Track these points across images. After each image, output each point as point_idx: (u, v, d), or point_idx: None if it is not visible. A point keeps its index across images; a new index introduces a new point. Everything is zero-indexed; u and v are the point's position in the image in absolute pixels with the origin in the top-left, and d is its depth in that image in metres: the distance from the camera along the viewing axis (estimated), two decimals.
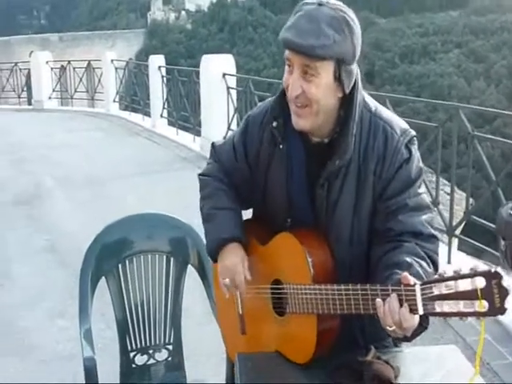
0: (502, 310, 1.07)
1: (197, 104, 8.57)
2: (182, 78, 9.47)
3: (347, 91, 1.39)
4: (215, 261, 1.54)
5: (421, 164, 1.47)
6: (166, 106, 9.92)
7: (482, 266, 1.11)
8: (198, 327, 1.82)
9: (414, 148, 1.45)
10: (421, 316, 1.21)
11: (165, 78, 9.89)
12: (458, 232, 4.41)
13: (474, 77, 42.54)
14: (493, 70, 42.54)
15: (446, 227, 4.33)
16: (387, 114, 1.49)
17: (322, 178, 1.42)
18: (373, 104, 1.48)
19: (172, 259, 2.07)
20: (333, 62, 1.33)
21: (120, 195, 6.00)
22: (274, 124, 1.47)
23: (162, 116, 9.98)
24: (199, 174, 1.66)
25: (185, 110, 9.37)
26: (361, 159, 1.42)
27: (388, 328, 1.23)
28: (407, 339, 1.32)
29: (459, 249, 4.93)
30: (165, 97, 9.87)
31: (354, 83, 1.41)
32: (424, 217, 1.41)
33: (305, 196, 1.47)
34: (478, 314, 1.09)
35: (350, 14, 1.36)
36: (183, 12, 64.38)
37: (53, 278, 2.83)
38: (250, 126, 1.55)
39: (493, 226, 3.67)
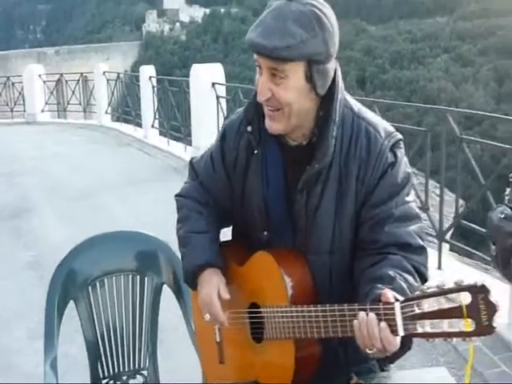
0: (490, 330, 0.94)
1: (187, 114, 8.50)
2: (173, 87, 9.38)
3: (321, 92, 1.27)
4: (194, 289, 1.43)
5: (408, 169, 1.33)
6: (157, 117, 9.86)
7: (467, 279, 0.97)
8: (176, 350, 1.70)
9: (401, 152, 1.32)
10: (403, 336, 1.08)
11: (155, 88, 9.82)
12: (448, 236, 4.31)
13: (462, 80, 42.97)
14: (480, 74, 43.01)
15: (435, 232, 4.21)
16: (371, 115, 1.37)
17: (301, 183, 1.30)
18: (354, 104, 1.36)
19: (146, 279, 1.95)
20: (303, 63, 1.22)
21: (108, 207, 5.94)
22: (249, 128, 1.37)
23: (153, 126, 9.91)
24: (176, 195, 1.56)
25: (176, 120, 9.30)
26: (342, 163, 1.30)
27: (368, 351, 1.10)
28: (389, 360, 1.21)
29: (451, 249, 4.84)
30: (156, 107, 9.83)
31: (334, 82, 1.29)
32: (412, 227, 1.28)
33: (283, 203, 1.36)
34: (463, 335, 0.95)
35: (323, 9, 1.24)
36: (177, 23, 64.84)
37: (34, 296, 2.70)
38: (227, 133, 1.45)
39: (483, 230, 3.55)
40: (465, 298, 0.95)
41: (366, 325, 1.09)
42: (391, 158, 1.29)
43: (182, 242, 1.48)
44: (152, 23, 64.36)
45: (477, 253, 4.06)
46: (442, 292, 0.97)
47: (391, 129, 1.35)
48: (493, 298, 0.94)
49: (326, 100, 1.29)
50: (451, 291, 0.96)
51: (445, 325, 0.96)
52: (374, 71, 46.78)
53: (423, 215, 4.98)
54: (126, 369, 1.96)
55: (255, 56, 1.27)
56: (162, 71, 10.95)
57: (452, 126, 3.93)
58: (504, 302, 3.24)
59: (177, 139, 9.20)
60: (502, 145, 3.65)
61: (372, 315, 1.08)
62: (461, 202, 4.45)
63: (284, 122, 1.28)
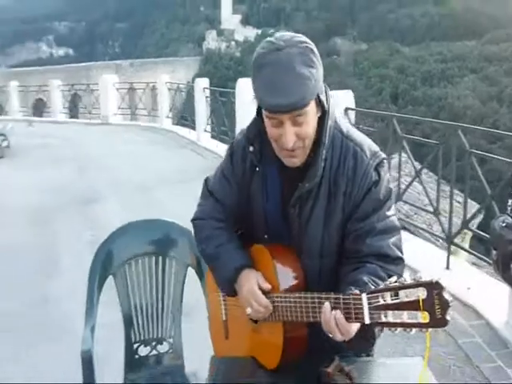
0: (443, 323, 0.92)
1: (234, 120, 8.52)
2: (222, 98, 9.44)
3: (326, 107, 1.24)
4: (233, 295, 1.39)
5: (390, 185, 1.31)
6: (208, 122, 9.91)
7: (425, 276, 0.95)
8: (197, 323, 1.73)
9: (384, 171, 1.30)
10: (367, 330, 1.08)
11: (208, 98, 9.88)
12: (459, 240, 4.20)
13: (487, 99, 41.56)
14: (505, 93, 41.49)
15: (445, 235, 4.10)
16: (358, 136, 1.33)
17: (294, 199, 1.29)
18: (344, 126, 1.33)
19: (173, 261, 1.98)
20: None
21: (162, 200, 6.00)
22: (251, 149, 1.34)
23: (205, 130, 9.97)
24: (192, 220, 1.50)
25: (224, 125, 9.34)
26: (331, 181, 1.28)
27: (330, 335, 1.12)
28: (356, 350, 1.23)
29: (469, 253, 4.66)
30: (208, 114, 9.88)
31: (327, 101, 1.26)
32: (392, 239, 1.27)
33: (279, 214, 1.35)
34: (420, 326, 0.94)
35: (305, 39, 1.20)
36: (233, 42, 65.27)
37: None
38: (235, 152, 1.41)
39: (487, 236, 3.44)
40: (422, 293, 0.93)
41: (323, 312, 1.11)
42: (375, 176, 1.27)
43: (212, 258, 1.43)
44: (211, 41, 64.98)
45: (483, 257, 3.92)
46: (403, 286, 0.96)
47: (376, 149, 1.32)
48: (446, 294, 0.92)
49: (319, 124, 1.25)
50: (410, 286, 0.95)
51: (405, 316, 0.95)
52: (406, 88, 45.79)
53: (434, 219, 4.87)
54: (155, 336, 1.99)
55: (269, 114, 1.18)
56: (218, 83, 11.08)
57: (462, 140, 3.81)
58: (503, 302, 3.15)
59: (225, 142, 9.27)
60: (505, 159, 3.50)
61: (327, 303, 1.10)
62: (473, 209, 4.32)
63: (303, 154, 1.25)
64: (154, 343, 1.99)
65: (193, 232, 1.52)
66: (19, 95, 16.87)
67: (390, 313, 0.97)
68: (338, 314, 1.08)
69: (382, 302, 0.98)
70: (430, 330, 0.95)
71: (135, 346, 1.97)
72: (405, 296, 0.95)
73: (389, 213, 1.28)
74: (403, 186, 4.84)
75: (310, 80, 1.14)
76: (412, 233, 4.94)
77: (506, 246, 2.94)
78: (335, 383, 1.18)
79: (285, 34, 1.20)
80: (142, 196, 6.25)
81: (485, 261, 3.83)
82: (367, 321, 1.01)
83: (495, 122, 31.08)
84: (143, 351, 1.98)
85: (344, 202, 1.28)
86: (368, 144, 1.32)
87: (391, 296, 0.97)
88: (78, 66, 43.66)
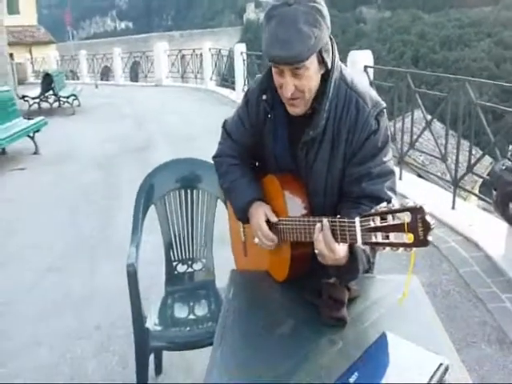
0: (425, 243, 0.86)
1: None
2: (258, 61, 9.12)
3: (329, 66, 1.16)
4: (247, 222, 1.36)
5: (388, 133, 1.22)
6: (246, 83, 9.66)
7: (411, 202, 0.88)
8: (227, 247, 1.73)
9: (383, 120, 1.20)
10: (353, 262, 1.08)
11: (245, 61, 9.59)
12: (463, 184, 4.02)
13: (501, 61, 38.99)
14: None
15: (451, 179, 3.93)
16: (362, 86, 1.23)
17: (301, 144, 1.24)
18: (350, 77, 1.23)
19: (206, 193, 1.97)
20: (316, 53, 1.10)
21: (205, 147, 5.86)
22: (264, 97, 1.27)
23: (243, 90, 9.72)
24: (213, 157, 1.47)
25: None
26: (335, 128, 1.20)
27: (316, 251, 1.09)
28: (347, 278, 1.17)
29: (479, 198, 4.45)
30: (245, 75, 9.61)
31: (333, 55, 1.16)
32: (386, 183, 1.19)
33: (288, 156, 1.30)
34: (405, 245, 0.88)
35: (317, 0, 1.09)
36: None
37: None
38: (250, 99, 1.35)
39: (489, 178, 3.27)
40: (408, 217, 0.88)
41: (315, 231, 1.08)
42: (375, 125, 1.19)
43: (228, 191, 1.41)
44: (251, 12, 62.93)
45: (486, 198, 3.73)
46: (390, 211, 0.90)
47: (377, 99, 1.23)
48: (429, 218, 0.86)
49: (324, 78, 1.18)
50: (397, 211, 0.89)
51: (392, 237, 0.90)
52: (426, 52, 43.46)
53: (442, 166, 4.66)
54: (190, 256, 2.01)
55: (273, 63, 1.12)
56: (257, 49, 10.70)
57: (469, 93, 3.55)
58: (501, 237, 3.03)
59: None
60: (507, 108, 3.25)
61: (318, 225, 1.07)
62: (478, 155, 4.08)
63: (303, 105, 1.19)
64: (189, 262, 2.01)
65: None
66: (88, 62, 16.95)
67: (379, 234, 0.92)
68: (326, 232, 1.05)
69: (372, 224, 0.93)
70: (414, 249, 0.88)
71: (174, 264, 2.00)
72: (392, 219, 0.90)
73: (385, 158, 1.21)
74: (415, 137, 4.61)
75: (311, 38, 1.06)
76: (426, 180, 4.77)
77: (505, 186, 2.80)
78: (332, 292, 1.14)
79: None
80: (188, 144, 6.24)
81: (490, 203, 3.67)
82: (359, 241, 0.97)
83: (508, 82, 29.21)
84: (181, 268, 2.01)
85: (346, 147, 1.21)
86: (370, 94, 1.22)
87: (380, 220, 0.92)
88: (137, 37, 43.34)
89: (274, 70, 1.15)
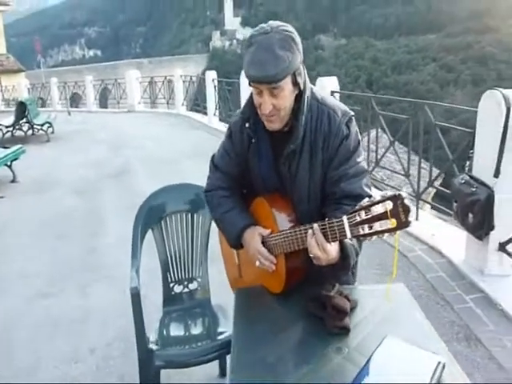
0: (407, 224, 0.95)
1: (239, 105, 8.40)
2: (228, 87, 9.28)
3: (302, 88, 1.25)
4: (240, 249, 1.42)
5: (358, 137, 1.33)
6: (217, 107, 9.78)
7: (390, 191, 0.98)
8: (220, 266, 1.75)
9: (352, 125, 1.31)
10: (345, 260, 1.16)
11: (216, 87, 9.72)
12: (430, 198, 4.20)
13: (445, 83, 41.14)
14: (460, 78, 41.04)
15: (414, 192, 4.11)
16: (331, 100, 1.34)
17: (283, 158, 1.32)
18: (319, 94, 1.33)
19: (200, 216, 2.00)
20: (290, 75, 1.19)
21: (183, 170, 5.99)
22: (247, 125, 1.35)
23: (215, 115, 9.84)
24: (204, 191, 1.53)
25: (230, 110, 9.20)
26: (312, 139, 1.29)
27: (311, 255, 1.15)
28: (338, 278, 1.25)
29: (433, 208, 4.69)
30: (216, 100, 9.73)
31: (304, 81, 1.26)
32: (363, 181, 1.29)
33: (272, 173, 1.37)
34: (391, 230, 0.96)
35: (291, 29, 1.20)
36: (234, 40, 63.98)
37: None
38: (233, 130, 1.43)
39: (448, 191, 3.45)
40: (389, 205, 0.95)
41: (307, 236, 1.15)
42: (346, 131, 1.28)
43: (220, 221, 1.45)
44: (216, 40, 63.75)
45: (444, 209, 3.93)
46: (373, 203, 0.98)
47: (346, 109, 1.32)
48: (407, 201, 0.95)
49: (298, 97, 1.26)
50: (379, 202, 0.97)
51: (377, 225, 0.98)
52: (379, 75, 45.28)
53: (404, 183, 4.88)
54: (186, 276, 2.02)
55: (252, 84, 1.21)
56: (223, 75, 10.82)
57: (428, 115, 3.76)
58: (461, 244, 3.19)
59: None
60: (463, 128, 3.46)
61: (310, 231, 1.14)
62: (437, 172, 4.30)
63: (279, 121, 1.27)
64: (186, 282, 2.03)
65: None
66: (58, 90, 16.63)
67: (366, 226, 0.99)
68: (318, 235, 1.12)
69: (358, 218, 1.00)
70: (398, 232, 0.96)
71: (171, 285, 2.01)
72: (375, 211, 0.97)
73: (358, 159, 1.30)
74: (379, 155, 4.82)
75: (285, 61, 1.15)
76: None
77: (464, 198, 2.97)
78: (336, 303, 1.20)
79: (276, 22, 1.21)
80: (166, 167, 6.22)
81: (445, 212, 3.86)
82: (349, 236, 1.03)
83: (451, 102, 30.77)
84: (178, 289, 2.02)
85: (323, 154, 1.30)
86: (338, 106, 1.32)
87: (365, 213, 0.99)
88: (105, 64, 42.94)
89: (253, 91, 1.24)
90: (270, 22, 1.21)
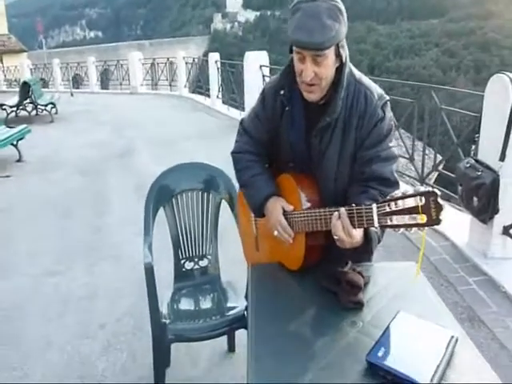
0: (438, 221, 0.95)
1: (242, 88, 8.32)
2: (232, 69, 9.16)
3: (344, 61, 1.23)
4: (262, 217, 1.41)
5: (392, 122, 1.31)
6: (220, 90, 9.67)
7: (423, 188, 0.97)
8: (229, 244, 1.76)
9: (387, 110, 1.29)
10: (367, 245, 1.16)
11: (219, 69, 9.60)
12: (428, 181, 4.20)
13: (448, 68, 40.72)
14: (462, 64, 40.62)
15: (418, 176, 4.11)
16: (368, 81, 1.32)
17: (315, 131, 1.30)
18: (357, 73, 1.31)
19: (210, 195, 2.00)
20: (334, 46, 1.18)
21: (186, 151, 5.95)
22: (282, 92, 1.33)
23: (217, 97, 9.74)
24: (232, 152, 1.49)
25: (233, 92, 9.11)
26: (346, 117, 1.27)
27: (335, 237, 1.14)
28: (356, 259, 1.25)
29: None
30: (219, 83, 9.62)
31: (346, 55, 1.24)
32: (393, 166, 1.28)
33: (302, 144, 1.35)
34: (419, 225, 0.96)
35: (338, 0, 1.18)
36: (236, 23, 63.04)
37: (138, 208, 2.81)
38: (266, 95, 1.40)
39: (453, 175, 3.44)
40: (421, 200, 0.95)
41: (333, 218, 1.14)
42: (381, 114, 1.27)
43: (246, 185, 1.43)
44: (218, 23, 62.84)
45: (448, 193, 3.93)
46: (405, 196, 0.97)
47: (382, 92, 1.31)
48: (440, 200, 0.94)
49: (338, 70, 1.25)
50: (411, 196, 0.96)
51: (406, 219, 0.97)
52: (381, 60, 44.78)
53: (410, 165, 4.86)
54: (197, 253, 2.03)
55: (296, 49, 1.19)
56: (225, 57, 10.70)
57: (434, 99, 3.73)
58: (465, 227, 3.20)
59: (234, 106, 9.06)
60: (469, 112, 3.44)
61: (336, 213, 1.13)
62: (440, 157, 4.29)
63: (320, 92, 1.25)
64: (196, 259, 2.04)
65: (232, 164, 1.50)
66: (61, 71, 16.44)
67: (394, 217, 0.99)
68: (344, 218, 1.11)
69: (387, 209, 1.00)
70: (426, 228, 0.96)
71: (182, 261, 2.02)
72: (407, 203, 0.97)
73: (391, 144, 1.29)
74: None
75: (332, 30, 1.14)
76: None
77: (469, 182, 2.96)
78: (350, 278, 1.20)
79: None
80: (168, 149, 6.19)
81: (448, 196, 3.86)
82: (376, 224, 1.03)
83: (454, 87, 30.56)
84: (188, 265, 2.03)
85: (356, 134, 1.28)
86: (376, 88, 1.31)
87: (395, 204, 0.99)
88: (107, 45, 42.38)
89: (295, 56, 1.21)
90: None
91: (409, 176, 4.56)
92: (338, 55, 1.21)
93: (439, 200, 0.94)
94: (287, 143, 1.37)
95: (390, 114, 1.30)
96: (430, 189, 0.95)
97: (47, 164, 5.87)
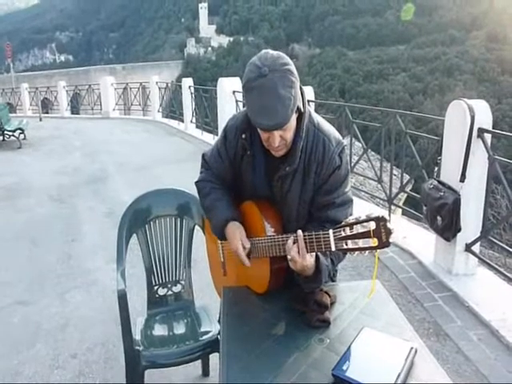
0: (387, 244, 1.04)
1: (215, 112, 8.47)
2: (205, 94, 9.33)
3: (303, 110, 1.29)
4: (223, 239, 1.44)
5: (348, 167, 1.40)
6: (194, 114, 9.81)
7: (375, 213, 1.05)
8: (204, 268, 1.80)
9: (344, 156, 1.36)
10: (317, 275, 1.24)
11: (193, 94, 9.76)
12: (397, 201, 4.37)
13: (415, 92, 42.37)
14: (428, 88, 42.39)
15: (386, 197, 4.27)
16: (327, 127, 1.39)
17: (277, 176, 1.36)
18: (315, 118, 1.37)
19: (184, 220, 2.03)
20: None
21: (159, 176, 5.98)
22: (243, 136, 1.38)
23: (191, 121, 9.87)
24: (196, 182, 1.53)
25: (207, 117, 9.25)
26: (306, 162, 1.34)
27: (288, 257, 1.21)
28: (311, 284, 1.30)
29: (403, 214, 4.89)
30: (193, 107, 9.76)
31: (303, 103, 1.29)
32: (348, 210, 1.35)
33: (265, 187, 1.41)
34: (372, 248, 1.05)
35: (286, 59, 1.18)
36: (209, 48, 64.07)
37: (110, 234, 2.82)
38: (228, 135, 1.44)
39: (419, 196, 3.62)
40: (372, 225, 1.03)
41: (288, 243, 1.21)
42: (338, 161, 1.33)
43: (209, 209, 1.46)
44: (191, 47, 63.71)
45: (415, 213, 4.11)
46: (358, 222, 1.06)
47: (340, 137, 1.37)
48: (389, 224, 1.03)
49: (297, 121, 1.27)
50: (364, 221, 1.05)
51: (360, 242, 1.06)
52: (352, 85, 46.24)
53: (379, 186, 5.05)
54: (170, 279, 2.05)
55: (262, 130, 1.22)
56: (198, 82, 10.88)
57: (399, 123, 3.94)
58: (431, 246, 3.34)
59: (208, 131, 9.18)
60: (431, 136, 3.64)
61: (290, 239, 1.20)
62: (407, 178, 4.50)
63: (286, 148, 1.30)
64: (170, 285, 2.05)
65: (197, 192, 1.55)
66: (29, 95, 16.24)
67: (349, 241, 1.07)
68: (299, 241, 1.18)
69: (343, 234, 1.08)
70: (378, 251, 1.05)
71: (155, 287, 2.03)
72: (360, 228, 1.05)
73: (346, 189, 1.36)
74: (353, 162, 4.97)
75: (291, 99, 1.14)
76: (361, 198, 5.12)
77: (432, 202, 3.11)
78: (317, 298, 1.28)
79: (268, 56, 1.17)
80: (142, 174, 6.20)
81: (416, 216, 4.03)
82: (333, 248, 1.10)
83: (421, 111, 31.81)
84: (162, 291, 2.04)
85: (314, 179, 1.34)
86: (333, 134, 1.36)
87: (350, 229, 1.07)
88: (77, 69, 42.19)
89: (261, 131, 1.25)
90: (263, 57, 1.17)
91: (378, 197, 4.72)
92: (297, 109, 1.22)
93: (388, 224, 1.02)
94: (250, 183, 1.42)
95: (346, 159, 1.37)
96: (380, 214, 1.03)
97: (16, 192, 5.76)
